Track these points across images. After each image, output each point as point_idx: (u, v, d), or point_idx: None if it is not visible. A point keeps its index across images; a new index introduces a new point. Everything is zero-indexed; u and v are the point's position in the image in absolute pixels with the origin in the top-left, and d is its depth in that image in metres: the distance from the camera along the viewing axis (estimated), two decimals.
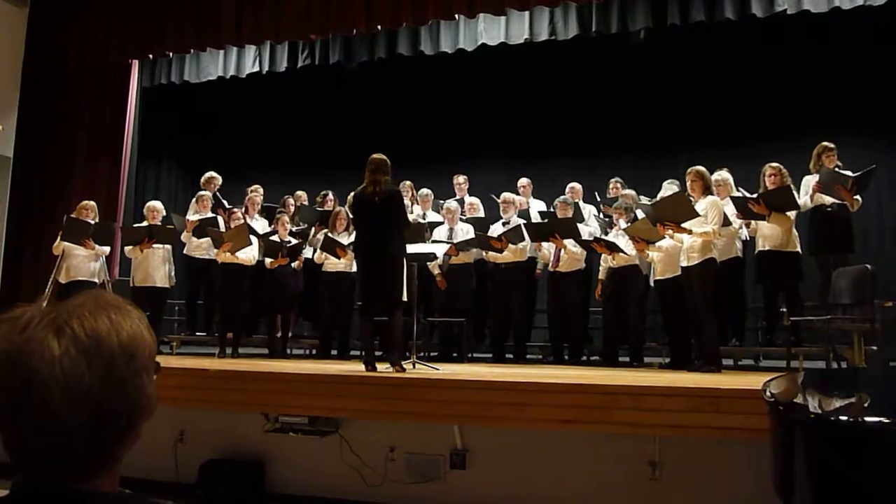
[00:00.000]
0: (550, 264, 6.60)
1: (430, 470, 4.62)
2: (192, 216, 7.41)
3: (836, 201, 5.75)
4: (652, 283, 6.20)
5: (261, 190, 7.82)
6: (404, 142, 7.74)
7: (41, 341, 0.84)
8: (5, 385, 0.84)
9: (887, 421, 1.57)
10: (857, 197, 5.73)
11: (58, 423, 0.83)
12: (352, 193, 7.19)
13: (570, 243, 6.39)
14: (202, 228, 6.98)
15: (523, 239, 6.54)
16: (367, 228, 5.11)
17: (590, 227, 6.89)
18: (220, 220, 7.32)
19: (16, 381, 0.83)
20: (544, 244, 6.56)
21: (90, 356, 0.85)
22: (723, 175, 6.12)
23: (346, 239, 6.77)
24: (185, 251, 7.47)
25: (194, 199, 7.68)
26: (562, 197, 6.78)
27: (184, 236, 7.32)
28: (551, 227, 6.47)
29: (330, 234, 6.85)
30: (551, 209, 6.89)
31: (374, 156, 5.14)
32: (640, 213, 6.03)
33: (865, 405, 2.21)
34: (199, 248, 7.26)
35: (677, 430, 3.83)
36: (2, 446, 0.87)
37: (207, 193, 7.57)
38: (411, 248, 5.39)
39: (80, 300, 0.90)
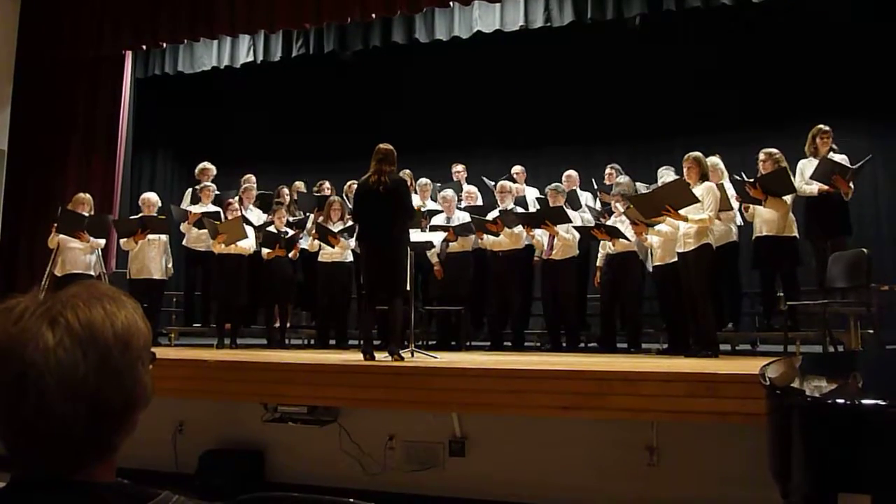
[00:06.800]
0: (544, 252, 6.59)
1: (430, 458, 4.64)
2: (191, 206, 7.38)
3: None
4: (650, 269, 6.21)
5: (254, 179, 7.77)
6: (400, 130, 7.69)
7: (35, 332, 0.84)
8: (0, 377, 0.83)
9: (883, 403, 1.57)
10: (850, 184, 5.73)
11: (54, 414, 0.83)
12: (348, 183, 7.25)
13: (562, 230, 6.38)
14: (203, 220, 6.96)
15: (519, 223, 6.52)
16: (371, 218, 5.08)
17: (585, 215, 6.88)
18: (223, 212, 7.28)
19: (10, 373, 0.83)
20: (537, 231, 6.54)
21: (85, 346, 0.84)
22: (713, 160, 6.10)
23: (340, 228, 6.76)
24: (183, 242, 7.44)
25: (192, 190, 7.63)
26: (553, 184, 6.77)
27: (183, 227, 7.29)
28: (542, 215, 6.47)
29: (323, 224, 6.83)
30: (543, 195, 6.87)
31: (381, 145, 5.09)
32: None
33: (861, 388, 2.22)
34: (198, 239, 7.24)
35: (675, 415, 3.84)
36: None
37: (210, 185, 7.53)
38: (411, 237, 5.37)
39: (73, 291, 0.90)
